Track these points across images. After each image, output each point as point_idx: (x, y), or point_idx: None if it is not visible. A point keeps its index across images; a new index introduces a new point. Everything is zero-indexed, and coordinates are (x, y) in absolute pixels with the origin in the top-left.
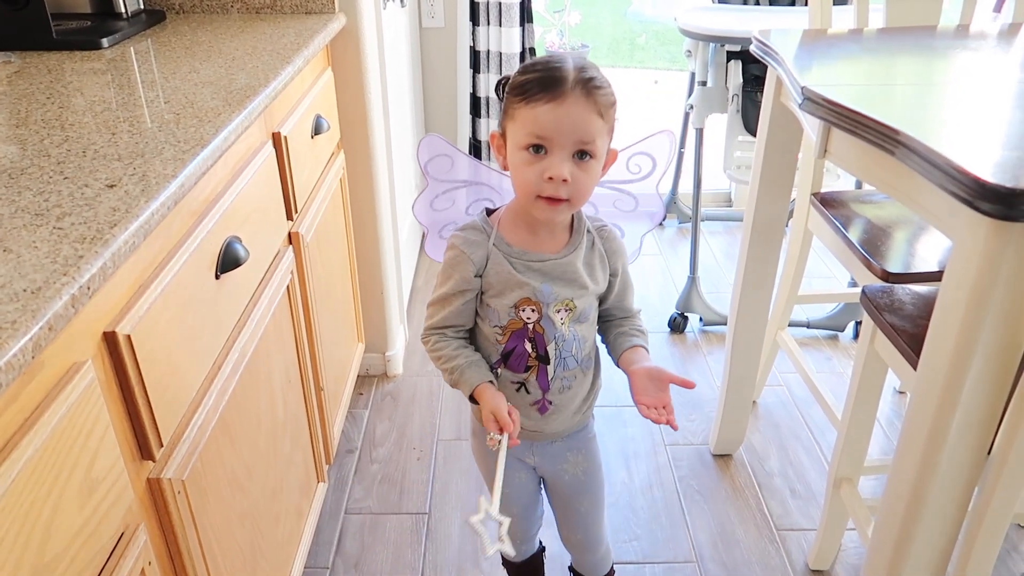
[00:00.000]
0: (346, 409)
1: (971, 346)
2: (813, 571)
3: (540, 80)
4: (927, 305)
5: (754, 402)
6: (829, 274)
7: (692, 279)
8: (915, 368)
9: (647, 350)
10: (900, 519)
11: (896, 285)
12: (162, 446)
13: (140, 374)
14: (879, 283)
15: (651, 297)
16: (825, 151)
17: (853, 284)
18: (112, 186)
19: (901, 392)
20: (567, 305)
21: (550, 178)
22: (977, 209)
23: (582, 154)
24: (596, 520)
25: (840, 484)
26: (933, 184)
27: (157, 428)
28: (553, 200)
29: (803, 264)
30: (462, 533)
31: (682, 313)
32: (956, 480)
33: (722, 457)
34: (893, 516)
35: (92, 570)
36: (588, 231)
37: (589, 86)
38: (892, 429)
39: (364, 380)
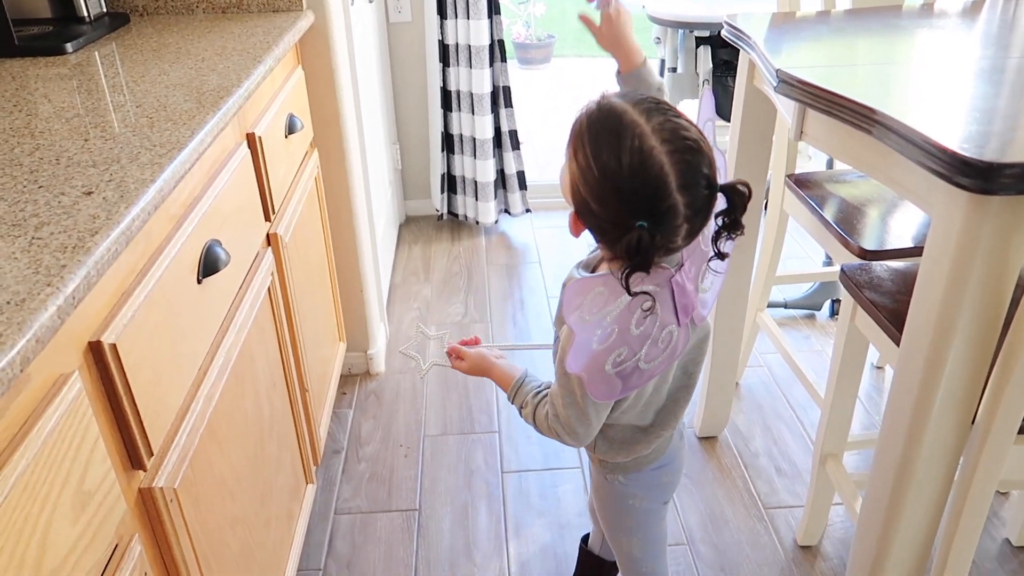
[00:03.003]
0: (331, 409)
1: (953, 319)
2: (802, 547)
3: None
4: (905, 280)
5: (736, 384)
6: (804, 254)
7: None
8: (897, 343)
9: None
10: (888, 490)
11: (873, 262)
12: (152, 455)
13: (127, 383)
14: (856, 261)
15: None
16: (801, 133)
17: (828, 263)
18: (89, 193)
19: (879, 367)
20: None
21: None
22: (955, 184)
23: None
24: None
25: (826, 460)
26: (911, 161)
27: (147, 437)
28: None
29: (780, 245)
30: (453, 527)
31: None
32: (942, 450)
33: (707, 439)
34: (881, 488)
35: None
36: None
37: None
38: (872, 404)
39: (347, 379)
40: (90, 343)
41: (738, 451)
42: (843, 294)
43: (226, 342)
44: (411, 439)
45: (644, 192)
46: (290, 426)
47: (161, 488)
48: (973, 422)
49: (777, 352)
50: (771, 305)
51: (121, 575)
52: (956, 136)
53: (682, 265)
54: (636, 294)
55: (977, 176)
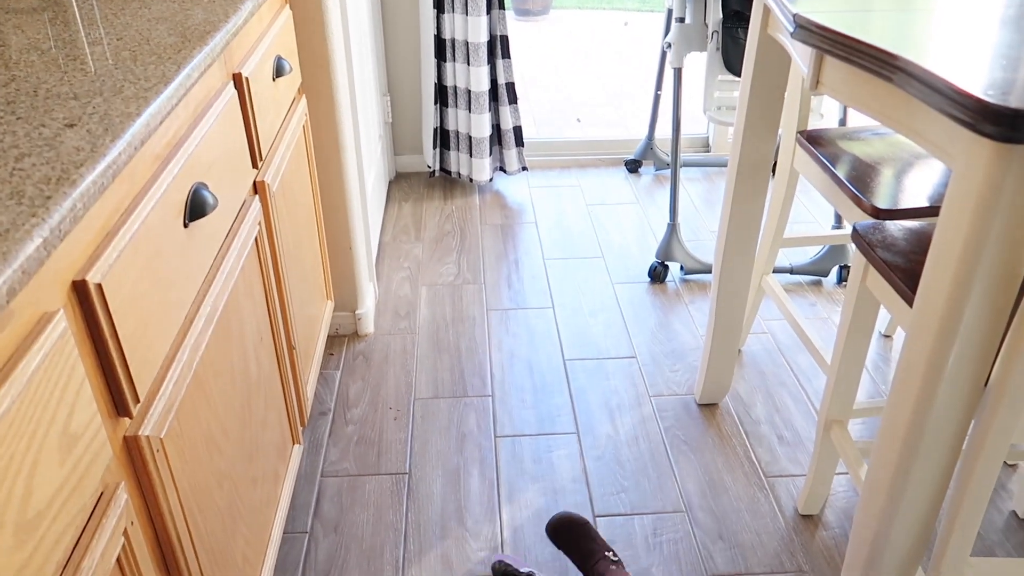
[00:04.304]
0: (318, 369)
1: (970, 274)
2: (803, 516)
3: None
4: (920, 240)
5: (739, 351)
6: (812, 219)
7: (672, 226)
8: (910, 304)
9: None
10: (896, 455)
11: (887, 221)
12: (138, 402)
13: (113, 325)
14: (869, 220)
15: (629, 247)
16: (817, 83)
17: (837, 227)
18: (72, 125)
19: (887, 335)
20: None
21: None
22: (980, 132)
23: None
24: None
25: (830, 427)
26: (932, 109)
27: (133, 383)
28: None
29: (789, 205)
30: (444, 491)
31: (662, 262)
32: (953, 412)
33: (708, 406)
34: (888, 452)
35: (74, 529)
36: None
37: None
38: (878, 373)
39: (334, 340)
40: (74, 282)
41: (739, 418)
42: (854, 255)
43: (213, 291)
44: (401, 402)
45: None
46: (277, 384)
47: (148, 437)
48: (986, 384)
49: (781, 319)
50: (777, 270)
51: (108, 521)
52: (980, 83)
53: None
54: None
55: (1002, 124)
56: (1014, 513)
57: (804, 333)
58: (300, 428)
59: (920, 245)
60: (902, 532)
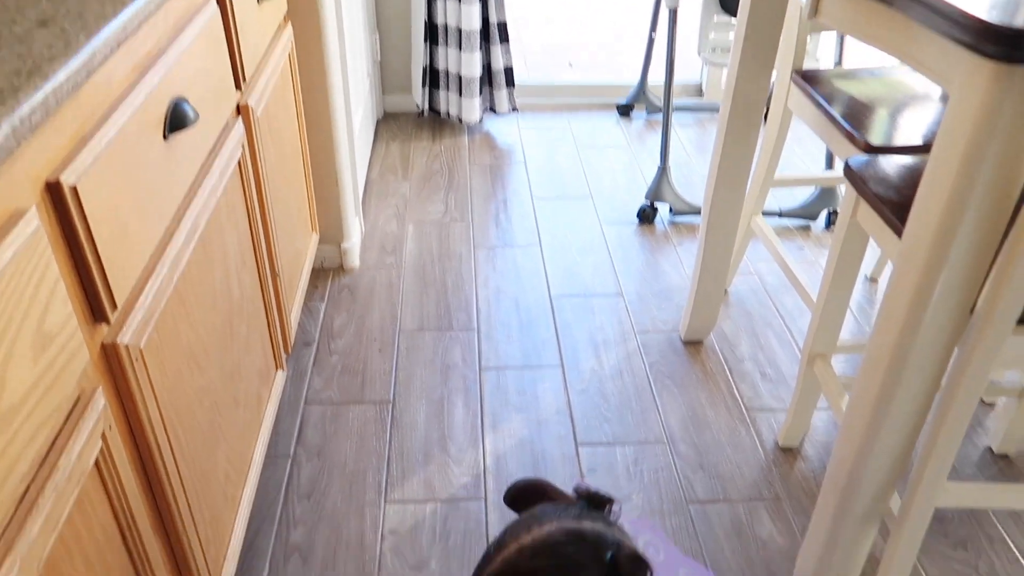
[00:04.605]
0: (302, 299)
1: (964, 199)
2: (782, 449)
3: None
4: (912, 175)
5: (725, 291)
6: (803, 165)
7: (662, 168)
8: (899, 235)
9: None
10: (880, 379)
11: (880, 156)
12: (116, 308)
13: (88, 229)
14: (862, 155)
15: (619, 190)
16: (816, 11)
17: (829, 168)
18: (45, 23)
19: (872, 280)
20: None
21: None
22: (981, 52)
23: None
24: None
25: (814, 360)
26: (933, 32)
27: (110, 288)
28: None
29: (780, 146)
30: (428, 420)
31: (651, 203)
32: (939, 338)
33: (692, 344)
34: (873, 376)
35: (49, 429)
36: None
37: None
38: (863, 315)
39: (319, 273)
40: (48, 183)
41: (723, 356)
42: (845, 189)
43: (194, 207)
44: (386, 334)
45: None
46: (260, 308)
47: (126, 346)
48: (972, 312)
49: (769, 261)
50: (766, 214)
51: (85, 423)
52: (983, 3)
53: None
54: None
55: (1004, 43)
56: (989, 448)
57: (791, 272)
58: (284, 355)
59: (912, 180)
60: (881, 457)
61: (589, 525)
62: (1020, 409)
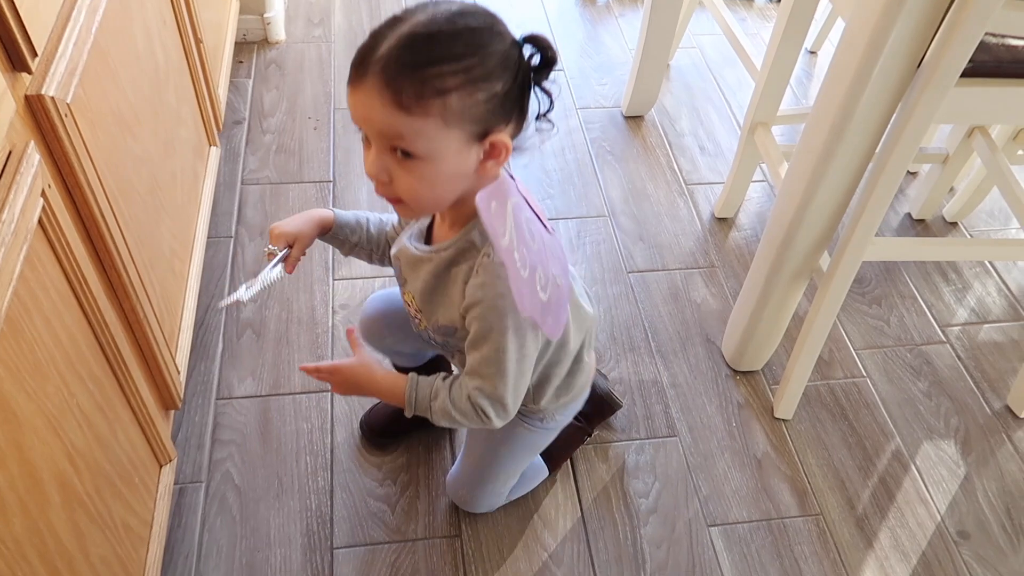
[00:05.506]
0: (228, 73)
1: None
2: (718, 219)
3: (356, 55)
4: None
5: (667, 65)
6: None
7: None
8: None
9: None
10: (824, 138)
11: None
12: (36, 56)
13: None
14: None
15: None
16: None
17: None
18: None
19: (812, 52)
20: (410, 296)
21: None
22: None
23: (404, 152)
24: (477, 478)
25: (755, 129)
26: None
27: (26, 30)
28: (388, 199)
29: None
30: (371, 198)
31: None
32: (884, 92)
33: (634, 119)
34: (816, 135)
35: None
36: (476, 250)
37: (393, 70)
38: (801, 88)
39: (243, 48)
40: None
41: (664, 130)
42: None
43: None
44: (320, 111)
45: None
46: (186, 77)
47: (52, 98)
48: (919, 67)
49: (712, 34)
50: None
51: (23, 179)
52: None
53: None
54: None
55: None
56: (909, 215)
57: (737, 41)
58: (216, 131)
59: None
60: (817, 213)
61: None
62: (942, 176)
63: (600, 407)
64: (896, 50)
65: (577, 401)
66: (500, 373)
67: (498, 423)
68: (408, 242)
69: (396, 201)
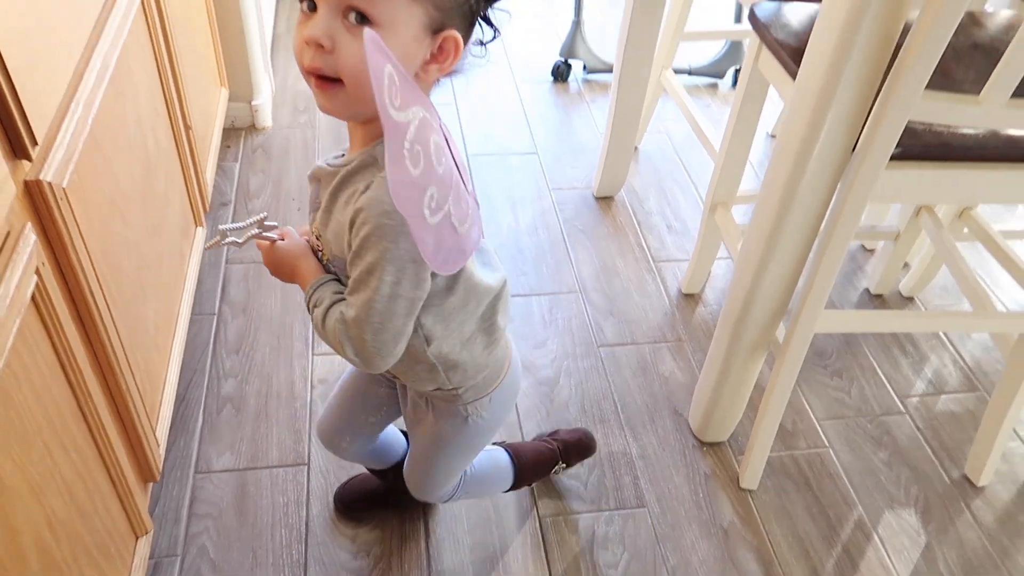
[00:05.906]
0: (216, 157)
1: (851, 40)
2: (685, 295)
3: None
4: (812, 22)
5: (636, 148)
6: (712, 20)
7: (576, 23)
8: (795, 79)
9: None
10: (771, 217)
11: (784, 3)
12: (36, 144)
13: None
14: (770, 2)
15: (532, 43)
16: None
17: (737, 22)
18: None
19: (773, 136)
20: (314, 223)
21: (306, 41)
22: None
23: (359, 16)
24: (421, 470)
25: (715, 208)
26: None
27: (28, 123)
28: (318, 79)
29: None
30: None
31: (566, 60)
32: (824, 174)
33: (604, 199)
34: (765, 215)
35: None
36: (377, 167)
37: None
38: (762, 169)
39: (231, 133)
40: None
41: (633, 210)
42: (749, 38)
43: (102, 47)
44: (304, 194)
45: None
46: (175, 162)
47: (50, 183)
48: (854, 150)
49: (676, 120)
50: (676, 71)
51: (18, 258)
52: None
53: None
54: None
55: None
56: (867, 290)
57: (698, 125)
58: (202, 212)
59: (812, 27)
60: (769, 289)
61: None
62: (895, 253)
63: (577, 439)
64: (832, 134)
65: (498, 387)
66: (367, 303)
67: (354, 359)
68: (323, 161)
69: (327, 83)
